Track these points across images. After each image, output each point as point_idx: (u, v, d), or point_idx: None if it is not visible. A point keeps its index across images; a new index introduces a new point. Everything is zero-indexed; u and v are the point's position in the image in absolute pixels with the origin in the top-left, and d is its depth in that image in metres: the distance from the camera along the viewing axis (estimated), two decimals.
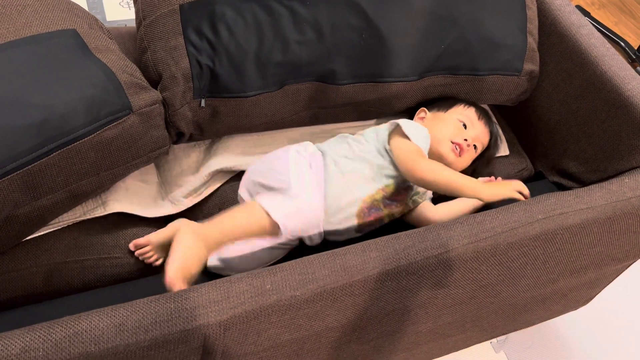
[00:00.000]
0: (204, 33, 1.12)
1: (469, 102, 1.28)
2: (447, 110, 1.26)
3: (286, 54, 1.14)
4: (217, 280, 0.82)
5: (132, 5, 2.20)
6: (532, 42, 1.29)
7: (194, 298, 0.79)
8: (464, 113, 1.25)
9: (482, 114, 1.27)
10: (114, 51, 1.06)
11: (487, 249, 0.93)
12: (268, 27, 1.14)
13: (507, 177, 1.37)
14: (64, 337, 0.73)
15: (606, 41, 1.28)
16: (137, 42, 1.17)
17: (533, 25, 1.29)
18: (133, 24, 2.11)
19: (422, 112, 1.28)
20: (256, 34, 1.13)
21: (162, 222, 1.18)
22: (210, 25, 1.12)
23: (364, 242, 0.91)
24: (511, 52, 1.26)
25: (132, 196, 1.15)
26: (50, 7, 1.04)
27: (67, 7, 1.07)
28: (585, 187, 1.01)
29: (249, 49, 1.13)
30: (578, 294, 1.32)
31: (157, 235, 1.08)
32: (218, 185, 1.22)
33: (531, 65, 1.29)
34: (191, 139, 1.21)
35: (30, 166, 0.91)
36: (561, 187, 1.33)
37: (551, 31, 1.32)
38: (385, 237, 0.91)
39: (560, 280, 1.14)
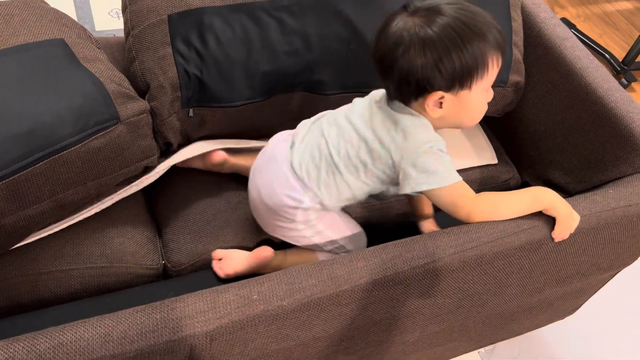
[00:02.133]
0: (192, 43, 1.12)
1: (497, 49, 0.93)
2: (473, 85, 0.93)
3: (274, 64, 1.14)
4: (204, 291, 0.82)
5: (121, 15, 2.20)
6: (518, 53, 1.31)
7: (180, 308, 0.79)
8: (492, 74, 0.95)
9: (503, 53, 0.97)
10: (102, 61, 1.06)
11: (473, 259, 0.93)
12: (256, 37, 1.14)
13: (494, 187, 1.38)
14: (48, 348, 0.72)
15: (590, 53, 1.30)
16: (126, 52, 1.17)
17: (518, 37, 1.31)
18: (122, 34, 2.11)
19: (437, 95, 0.93)
20: (244, 44, 1.14)
21: (152, 232, 1.18)
22: (198, 35, 1.13)
23: (352, 253, 0.91)
24: None
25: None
26: (38, 16, 1.04)
27: (56, 17, 1.07)
28: (570, 198, 1.02)
29: (237, 59, 1.14)
30: (564, 303, 1.33)
31: (239, 252, 1.12)
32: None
33: (517, 76, 1.31)
34: (179, 148, 1.21)
35: (16, 175, 0.90)
36: None
37: (537, 43, 1.34)
38: (372, 247, 0.92)
39: (546, 289, 1.15)
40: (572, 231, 0.98)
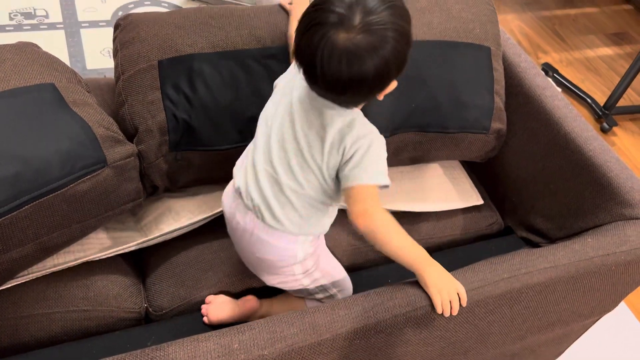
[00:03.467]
0: (181, 88, 1.15)
1: None
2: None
3: (261, 109, 1.17)
4: (185, 339, 0.81)
5: (112, 53, 2.24)
6: (499, 101, 1.34)
7: (160, 357, 0.78)
8: None
9: None
10: (91, 105, 1.08)
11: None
12: (244, 83, 1.17)
13: (478, 230, 1.40)
14: None
15: (569, 103, 1.34)
16: (115, 95, 1.19)
17: (500, 86, 1.35)
18: (113, 73, 2.14)
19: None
20: (233, 90, 1.16)
21: (135, 275, 1.17)
22: (187, 80, 1.15)
23: (334, 300, 0.92)
24: (479, 111, 1.31)
25: (105, 245, 1.14)
26: (30, 61, 1.06)
27: (47, 62, 1.09)
28: (550, 247, 1.04)
29: (225, 104, 1.16)
30: (547, 350, 1.33)
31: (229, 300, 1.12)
32: (200, 218, 1.21)
33: (498, 123, 1.34)
34: (165, 190, 1.22)
35: (1, 219, 0.90)
36: (529, 243, 1.36)
37: (517, 92, 1.38)
38: (354, 295, 0.92)
39: (528, 336, 1.16)
40: (457, 302, 0.91)
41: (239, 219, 1.03)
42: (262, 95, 1.16)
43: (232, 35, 1.19)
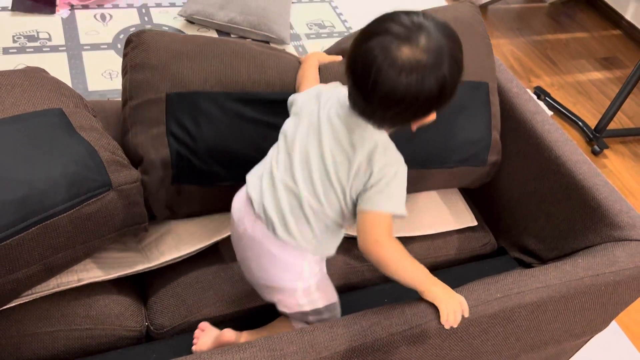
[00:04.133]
0: (187, 126, 1.16)
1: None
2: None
3: (265, 153, 1.17)
4: (186, 357, 0.84)
5: (113, 76, 2.28)
6: (496, 135, 1.38)
7: None
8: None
9: None
10: (97, 129, 1.11)
11: None
12: (250, 126, 1.18)
13: (472, 250, 1.43)
14: None
15: (560, 127, 1.38)
16: (121, 119, 1.21)
17: (496, 120, 1.39)
18: (114, 95, 2.18)
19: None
20: (237, 133, 1.17)
21: (136, 294, 1.20)
22: (193, 118, 1.16)
23: (333, 320, 0.94)
24: (478, 146, 1.35)
25: (107, 266, 1.16)
26: (38, 86, 1.09)
27: (55, 87, 1.12)
28: (541, 267, 1.07)
29: (229, 145, 1.17)
30: None
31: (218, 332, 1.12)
32: (201, 247, 1.23)
33: (495, 156, 1.38)
34: (165, 219, 1.24)
35: (8, 240, 0.93)
36: (522, 263, 1.39)
37: (510, 116, 1.42)
38: (352, 314, 0.95)
39: (521, 355, 1.18)
40: (459, 314, 0.93)
41: (247, 225, 1.03)
42: (267, 140, 1.12)
43: (243, 76, 1.19)
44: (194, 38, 1.24)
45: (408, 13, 0.88)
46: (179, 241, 1.22)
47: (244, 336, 1.11)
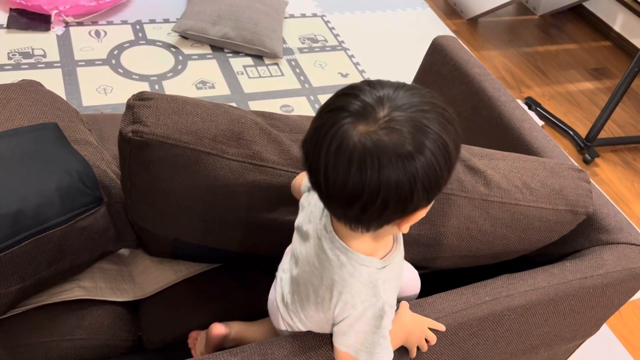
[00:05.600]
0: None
1: None
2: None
3: None
4: None
5: (107, 91, 2.30)
6: None
7: None
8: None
9: None
10: (92, 144, 1.12)
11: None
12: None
13: None
14: None
15: (547, 134, 1.40)
16: (123, 200, 1.11)
17: None
18: (108, 110, 2.20)
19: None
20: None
21: (129, 304, 1.20)
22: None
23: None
24: None
25: (98, 280, 1.17)
26: (34, 100, 1.11)
27: (50, 101, 1.14)
28: (530, 270, 1.08)
29: None
30: None
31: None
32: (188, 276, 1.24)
33: None
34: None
35: (1, 254, 0.93)
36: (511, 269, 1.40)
37: (498, 124, 1.44)
38: None
39: (513, 359, 1.19)
40: (423, 337, 0.94)
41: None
42: None
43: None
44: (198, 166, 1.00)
45: (372, 83, 0.66)
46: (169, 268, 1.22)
47: (235, 326, 1.09)
